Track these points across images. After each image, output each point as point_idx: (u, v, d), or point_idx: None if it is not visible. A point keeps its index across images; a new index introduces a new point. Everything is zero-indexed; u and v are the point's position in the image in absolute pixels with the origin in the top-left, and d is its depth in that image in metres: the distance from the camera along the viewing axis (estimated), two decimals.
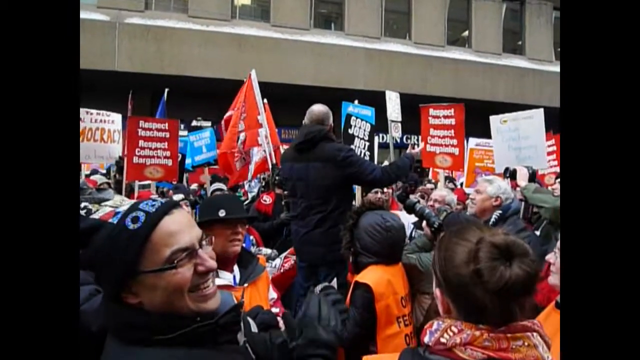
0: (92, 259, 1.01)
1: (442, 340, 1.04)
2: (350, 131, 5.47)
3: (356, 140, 5.43)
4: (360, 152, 5.34)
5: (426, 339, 1.09)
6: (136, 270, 0.99)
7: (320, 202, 3.46)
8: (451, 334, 1.04)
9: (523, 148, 5.24)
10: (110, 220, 1.01)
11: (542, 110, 5.23)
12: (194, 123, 12.42)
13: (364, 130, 5.53)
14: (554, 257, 1.82)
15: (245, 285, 2.25)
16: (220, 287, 1.17)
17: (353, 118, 5.50)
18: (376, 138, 6.34)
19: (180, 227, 1.04)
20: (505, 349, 0.99)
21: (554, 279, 1.79)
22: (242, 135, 6.15)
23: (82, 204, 1.08)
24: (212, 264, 1.07)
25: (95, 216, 1.03)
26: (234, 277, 2.25)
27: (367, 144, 5.49)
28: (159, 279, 0.99)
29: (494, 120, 5.57)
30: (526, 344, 1.00)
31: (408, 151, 3.95)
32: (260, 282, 2.37)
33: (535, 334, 1.03)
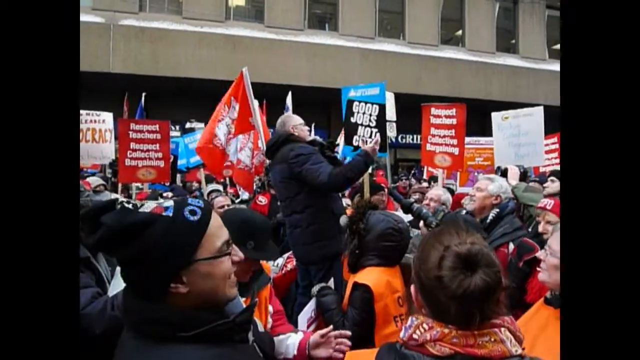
0: (147, 250, 1.03)
1: (415, 336, 1.10)
2: (352, 119, 4.59)
3: (360, 130, 4.52)
4: (366, 142, 4.38)
5: (401, 335, 1.15)
6: (194, 259, 1.06)
7: (288, 203, 3.56)
8: (422, 330, 1.09)
9: (522, 145, 5.28)
10: (163, 214, 1.06)
11: (542, 107, 5.26)
12: (188, 125, 12.39)
13: (369, 115, 4.58)
14: (544, 255, 1.83)
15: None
16: None
17: (356, 103, 4.59)
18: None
19: (221, 222, 1.17)
20: (472, 345, 1.05)
21: (544, 276, 1.81)
22: (248, 140, 6.08)
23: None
24: (241, 254, 1.28)
25: (145, 210, 1.05)
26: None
27: (374, 130, 4.51)
28: (213, 266, 1.10)
29: (496, 117, 5.58)
30: (492, 339, 1.05)
31: (362, 147, 3.73)
32: (263, 294, 2.17)
33: (503, 329, 1.08)
